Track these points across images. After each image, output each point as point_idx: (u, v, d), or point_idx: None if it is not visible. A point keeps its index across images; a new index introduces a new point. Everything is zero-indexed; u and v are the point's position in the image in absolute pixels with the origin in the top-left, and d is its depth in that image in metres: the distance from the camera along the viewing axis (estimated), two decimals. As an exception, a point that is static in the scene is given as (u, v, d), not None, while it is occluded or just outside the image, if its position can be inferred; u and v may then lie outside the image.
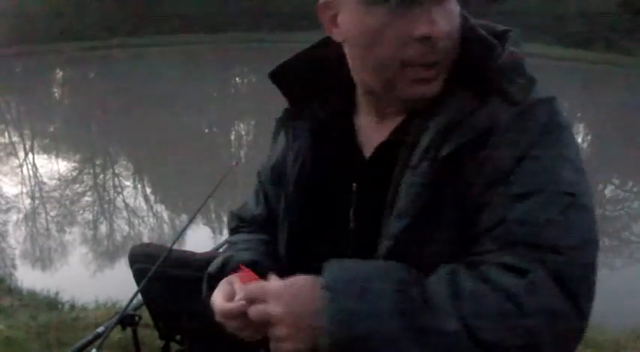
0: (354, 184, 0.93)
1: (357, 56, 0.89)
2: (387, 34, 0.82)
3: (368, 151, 0.94)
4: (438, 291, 0.75)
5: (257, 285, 0.84)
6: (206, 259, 1.04)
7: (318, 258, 0.93)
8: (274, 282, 0.83)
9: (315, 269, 0.87)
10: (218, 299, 0.89)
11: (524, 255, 0.75)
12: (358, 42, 0.86)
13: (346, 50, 0.92)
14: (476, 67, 0.84)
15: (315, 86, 1.00)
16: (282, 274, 0.95)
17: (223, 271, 0.98)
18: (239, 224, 1.16)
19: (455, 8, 0.85)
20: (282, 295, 0.80)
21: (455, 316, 0.72)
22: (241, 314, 0.85)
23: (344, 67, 0.95)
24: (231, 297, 0.88)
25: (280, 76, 1.01)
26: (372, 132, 0.95)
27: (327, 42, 0.97)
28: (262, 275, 0.87)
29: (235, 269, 0.95)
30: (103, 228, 6.80)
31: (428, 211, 0.81)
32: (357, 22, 0.85)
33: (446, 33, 0.82)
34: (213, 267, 1.01)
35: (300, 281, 0.82)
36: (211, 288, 0.95)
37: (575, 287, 0.74)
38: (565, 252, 0.75)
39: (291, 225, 0.99)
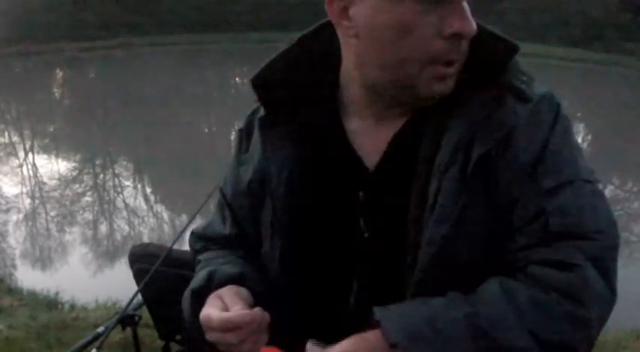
0: (361, 193, 0.89)
1: (375, 51, 0.83)
2: (417, 30, 0.79)
3: (368, 156, 0.90)
4: (499, 308, 0.75)
5: None
6: (206, 259, 1.04)
7: (323, 270, 0.91)
8: None
9: (318, 282, 0.88)
10: (214, 312, 0.84)
11: (563, 247, 0.78)
12: (381, 36, 0.81)
13: (354, 45, 0.85)
14: (495, 66, 0.84)
15: (295, 89, 0.93)
16: (272, 288, 0.93)
17: (209, 286, 0.92)
18: (206, 244, 1.08)
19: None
20: None
21: (523, 331, 0.74)
22: (241, 326, 0.82)
23: (331, 66, 0.92)
24: (225, 311, 0.84)
25: (261, 82, 0.94)
26: (368, 135, 0.90)
27: (304, 42, 0.94)
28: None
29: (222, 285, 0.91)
30: (103, 228, 6.79)
31: (465, 213, 0.81)
32: (383, 15, 0.79)
33: (475, 30, 0.81)
34: (197, 283, 0.94)
35: (355, 348, 0.77)
36: (197, 304, 0.90)
37: (608, 268, 0.79)
38: (597, 236, 0.78)
39: (284, 237, 0.92)
